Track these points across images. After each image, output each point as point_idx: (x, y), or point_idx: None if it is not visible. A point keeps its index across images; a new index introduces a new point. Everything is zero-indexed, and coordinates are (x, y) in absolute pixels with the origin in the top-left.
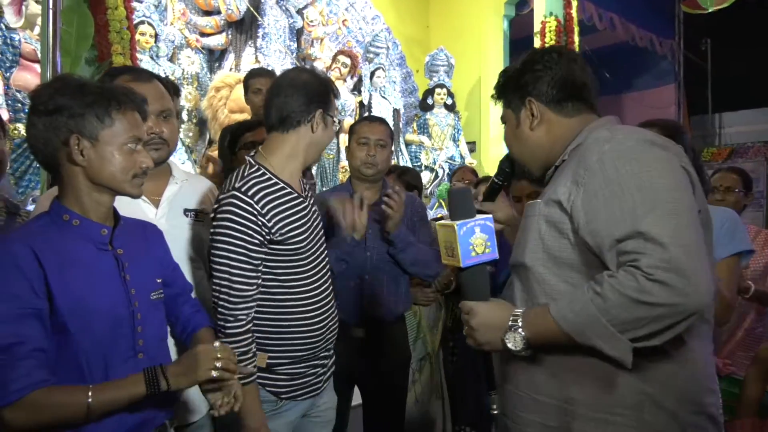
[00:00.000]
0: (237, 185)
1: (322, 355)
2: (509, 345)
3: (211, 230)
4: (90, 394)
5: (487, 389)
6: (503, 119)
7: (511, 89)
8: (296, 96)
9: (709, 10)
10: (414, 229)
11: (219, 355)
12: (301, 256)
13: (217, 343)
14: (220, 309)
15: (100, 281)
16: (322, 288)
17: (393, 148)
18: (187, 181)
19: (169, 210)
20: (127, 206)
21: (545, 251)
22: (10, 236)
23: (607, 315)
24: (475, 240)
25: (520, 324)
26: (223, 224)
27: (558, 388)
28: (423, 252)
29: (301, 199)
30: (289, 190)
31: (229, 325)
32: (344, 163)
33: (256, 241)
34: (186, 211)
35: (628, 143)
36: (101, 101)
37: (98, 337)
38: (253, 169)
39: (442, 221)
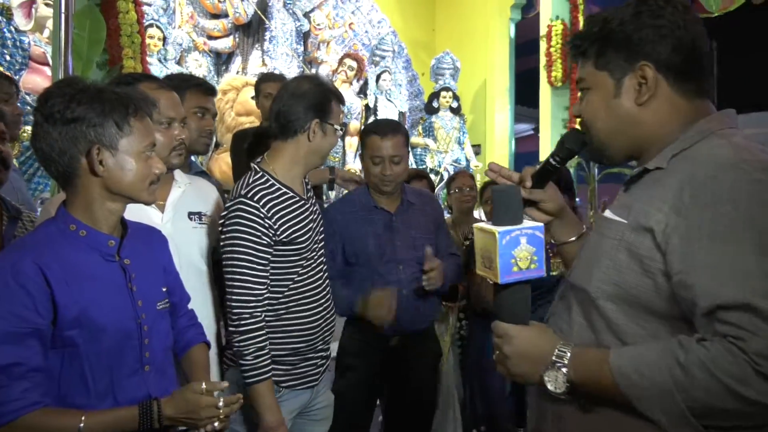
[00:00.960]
0: (242, 192)
1: (319, 348)
2: (548, 385)
3: (222, 236)
4: (83, 419)
5: (515, 424)
6: (585, 83)
7: (615, 45)
8: (294, 106)
9: (715, 14)
10: (435, 234)
11: (222, 412)
12: (303, 255)
13: (221, 402)
14: (234, 309)
15: (107, 294)
16: (320, 284)
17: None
18: (190, 184)
19: (174, 214)
20: (133, 212)
21: (617, 285)
22: (16, 250)
23: (685, 394)
24: (520, 252)
25: (566, 362)
26: (232, 228)
27: None
28: (454, 271)
29: (303, 201)
30: (291, 194)
31: (243, 322)
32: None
33: (264, 242)
34: (190, 214)
35: (758, 176)
36: (120, 109)
37: (105, 351)
38: (257, 176)
39: (481, 224)
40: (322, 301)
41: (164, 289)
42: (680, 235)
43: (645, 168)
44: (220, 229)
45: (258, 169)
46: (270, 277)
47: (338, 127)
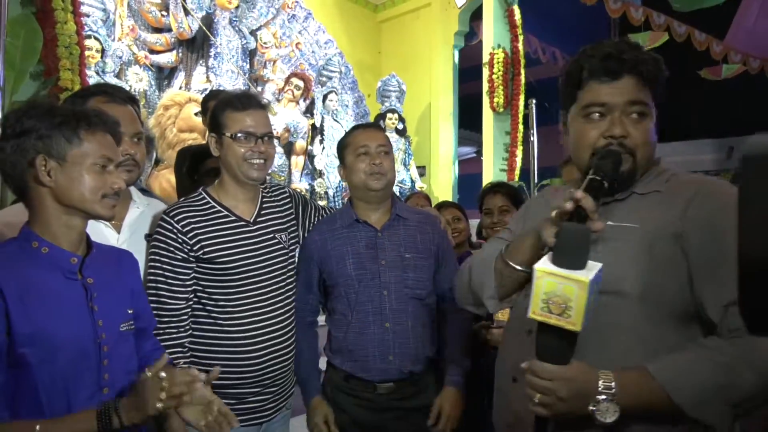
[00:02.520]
0: (166, 210)
1: (268, 384)
2: (599, 417)
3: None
4: (38, 428)
5: None
6: (646, 109)
7: (662, 83)
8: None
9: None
10: (440, 261)
11: (164, 384)
12: (232, 278)
13: (163, 374)
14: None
15: (65, 311)
16: (266, 316)
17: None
18: (149, 206)
19: (130, 235)
20: (88, 231)
21: (645, 285)
22: None
23: (734, 390)
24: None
25: (614, 392)
26: (152, 245)
27: None
28: (464, 339)
29: (243, 223)
30: (225, 213)
31: (161, 338)
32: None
33: (179, 257)
34: (147, 236)
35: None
36: (70, 122)
37: (60, 371)
38: (192, 195)
39: (549, 267)
40: (272, 336)
41: (130, 311)
42: (708, 240)
43: (634, 192)
44: None
45: (200, 191)
46: (203, 298)
47: (230, 134)
